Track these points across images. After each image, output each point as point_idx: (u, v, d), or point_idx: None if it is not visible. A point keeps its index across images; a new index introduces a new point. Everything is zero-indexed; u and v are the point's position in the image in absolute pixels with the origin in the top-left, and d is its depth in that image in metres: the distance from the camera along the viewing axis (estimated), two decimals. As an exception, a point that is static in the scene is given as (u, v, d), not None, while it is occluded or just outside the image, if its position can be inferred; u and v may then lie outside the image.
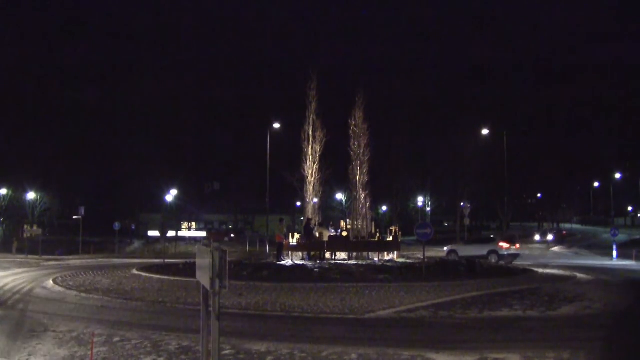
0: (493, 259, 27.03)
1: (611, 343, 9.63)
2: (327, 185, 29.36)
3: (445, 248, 30.87)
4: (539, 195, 73.61)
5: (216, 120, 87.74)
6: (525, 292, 15.67)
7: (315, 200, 25.96)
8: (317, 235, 24.19)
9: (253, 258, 26.78)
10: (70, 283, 18.54)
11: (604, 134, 76.08)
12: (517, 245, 29.41)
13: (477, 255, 26.76)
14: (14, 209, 55.22)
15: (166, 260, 26.09)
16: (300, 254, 24.16)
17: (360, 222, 25.30)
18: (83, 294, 15.84)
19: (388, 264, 21.85)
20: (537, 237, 34.39)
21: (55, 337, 9.68)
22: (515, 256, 28.30)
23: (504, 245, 28.48)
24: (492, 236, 35.26)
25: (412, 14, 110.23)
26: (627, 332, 10.98)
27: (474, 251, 27.87)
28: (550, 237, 51.26)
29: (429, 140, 64.33)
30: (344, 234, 25.16)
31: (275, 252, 24.88)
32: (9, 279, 20.74)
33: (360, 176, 25.60)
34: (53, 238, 49.51)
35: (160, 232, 32.93)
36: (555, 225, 72.39)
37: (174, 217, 64.99)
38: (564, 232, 49.68)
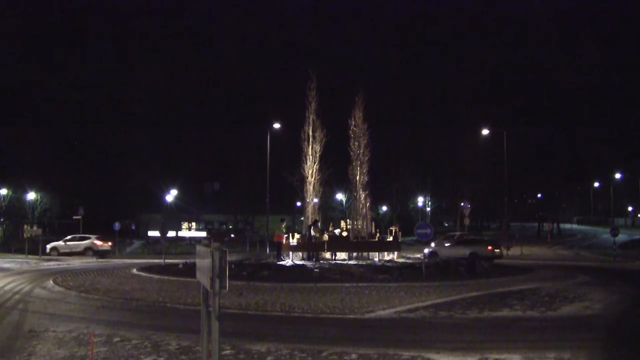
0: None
1: (611, 343, 9.62)
2: (327, 185, 29.34)
3: (426, 250, 29.54)
4: (539, 195, 73.50)
5: (216, 120, 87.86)
6: (525, 292, 15.68)
7: (315, 200, 25.95)
8: (318, 235, 24.22)
9: (253, 258, 26.76)
10: (70, 283, 18.53)
11: (604, 134, 76.09)
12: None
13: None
14: (14, 209, 55.19)
15: (166, 261, 26.06)
16: (300, 254, 24.18)
17: (360, 222, 25.29)
18: (83, 294, 15.83)
19: (388, 264, 21.85)
20: (432, 244, 31.92)
21: (55, 337, 9.67)
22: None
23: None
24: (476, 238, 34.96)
25: (412, 14, 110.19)
26: (627, 332, 10.98)
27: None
28: (447, 243, 48.74)
29: (429, 140, 64.36)
30: (344, 234, 25.16)
31: (274, 252, 24.90)
32: (9, 279, 20.74)
33: (360, 176, 25.60)
34: (53, 238, 49.45)
35: (160, 232, 32.86)
36: (555, 225, 72.20)
37: (174, 217, 64.92)
38: (468, 237, 46.05)
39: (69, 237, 38.20)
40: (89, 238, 37.15)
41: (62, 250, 36.13)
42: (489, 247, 29.43)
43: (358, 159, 25.61)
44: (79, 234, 40.31)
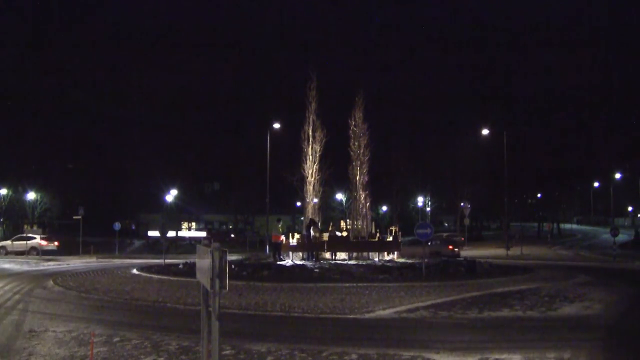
0: None
1: (611, 343, 9.62)
2: (327, 185, 29.33)
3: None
4: (539, 195, 73.51)
5: (216, 121, 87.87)
6: (526, 292, 15.68)
7: (315, 200, 25.94)
8: (317, 235, 24.22)
9: (253, 258, 26.81)
10: (70, 283, 18.54)
11: (604, 134, 76.09)
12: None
13: None
14: (14, 209, 55.21)
15: (166, 261, 26.08)
16: (300, 254, 24.18)
17: (360, 222, 25.29)
18: (83, 294, 15.83)
19: (388, 264, 21.85)
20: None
21: (55, 337, 9.67)
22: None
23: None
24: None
25: (412, 14, 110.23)
26: (627, 332, 10.97)
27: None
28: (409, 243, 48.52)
29: (429, 140, 64.48)
30: (344, 234, 25.15)
31: (273, 253, 24.86)
32: (9, 279, 20.74)
33: (360, 176, 25.60)
34: (53, 238, 49.42)
35: (160, 232, 33.00)
36: (555, 225, 72.19)
37: (174, 217, 64.99)
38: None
39: (16, 237, 40.70)
40: (34, 238, 39.84)
41: (9, 249, 38.29)
42: (450, 247, 31.96)
43: (358, 159, 25.60)
44: (79, 233, 40.60)
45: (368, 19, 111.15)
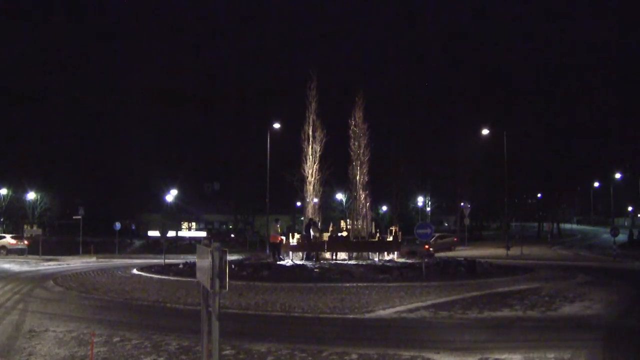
0: None
1: (611, 343, 9.62)
2: (327, 185, 29.34)
3: None
4: (539, 195, 73.48)
5: (216, 120, 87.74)
6: (526, 292, 15.67)
7: (315, 200, 25.94)
8: (317, 235, 24.20)
9: (253, 258, 26.81)
10: (71, 283, 18.54)
11: (604, 134, 76.04)
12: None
13: None
14: (14, 209, 55.27)
15: (166, 261, 26.08)
16: (300, 254, 24.18)
17: (360, 222, 25.29)
18: (83, 294, 15.84)
19: (388, 264, 21.86)
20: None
21: (55, 337, 9.67)
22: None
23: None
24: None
25: (412, 14, 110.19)
26: (627, 332, 10.97)
27: None
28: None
29: (429, 140, 64.38)
30: (344, 234, 25.14)
31: (272, 253, 24.86)
32: (9, 279, 20.74)
33: (360, 176, 25.60)
34: (53, 238, 49.55)
35: (160, 232, 33.07)
36: (555, 225, 72.16)
37: (174, 217, 65.02)
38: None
39: None
40: (4, 237, 41.37)
41: None
42: (426, 247, 33.20)
43: (358, 159, 25.61)
44: (79, 233, 40.65)
45: (368, 18, 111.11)
